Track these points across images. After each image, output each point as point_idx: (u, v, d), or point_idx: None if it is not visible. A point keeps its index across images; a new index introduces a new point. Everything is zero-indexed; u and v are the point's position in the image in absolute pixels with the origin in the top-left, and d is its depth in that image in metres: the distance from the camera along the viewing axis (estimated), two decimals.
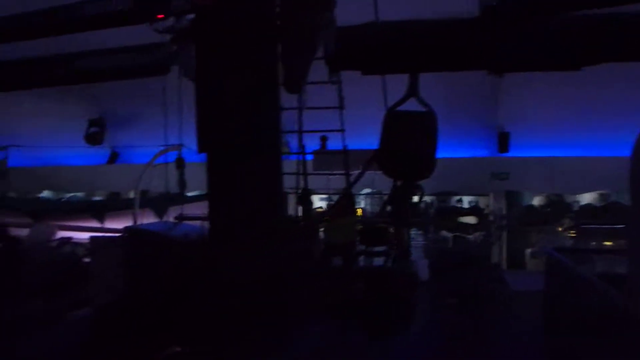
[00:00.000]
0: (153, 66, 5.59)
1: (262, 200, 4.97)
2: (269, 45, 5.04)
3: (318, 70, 5.61)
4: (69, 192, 18.03)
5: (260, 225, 4.87)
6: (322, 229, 8.22)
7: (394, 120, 5.47)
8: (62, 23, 6.17)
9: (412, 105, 5.62)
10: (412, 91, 5.48)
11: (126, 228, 8.96)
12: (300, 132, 6.97)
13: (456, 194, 14.85)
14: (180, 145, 10.11)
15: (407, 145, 5.27)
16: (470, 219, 14.10)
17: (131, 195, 14.81)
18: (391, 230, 7.25)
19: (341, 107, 6.84)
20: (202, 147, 5.20)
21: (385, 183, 7.33)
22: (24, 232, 12.06)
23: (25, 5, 6.19)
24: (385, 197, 6.99)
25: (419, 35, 5.15)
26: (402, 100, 5.58)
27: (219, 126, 5.03)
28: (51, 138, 15.47)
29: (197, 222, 9.63)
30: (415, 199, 6.05)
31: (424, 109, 5.56)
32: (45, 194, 18.03)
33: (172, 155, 10.48)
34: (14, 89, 7.76)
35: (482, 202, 14.88)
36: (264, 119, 4.99)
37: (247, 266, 5.01)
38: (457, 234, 13.74)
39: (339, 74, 5.14)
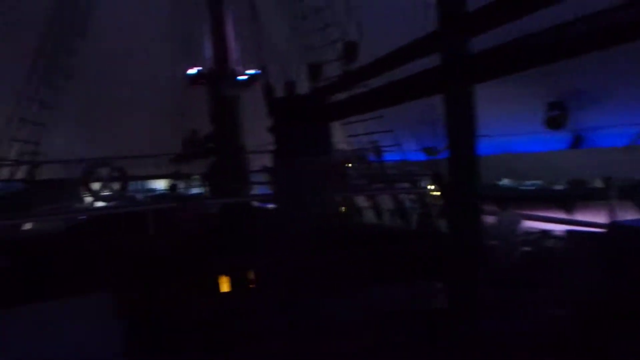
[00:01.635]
0: None
1: None
2: None
3: None
4: (528, 179, 17.99)
5: None
6: None
7: None
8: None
9: None
10: None
11: (611, 223, 7.94)
12: None
13: None
14: None
15: None
16: None
17: (597, 183, 13.62)
18: None
19: None
20: None
21: None
22: (489, 219, 12.60)
23: None
24: None
25: None
26: None
27: None
28: (510, 125, 15.79)
29: None
30: None
31: None
32: (505, 181, 18.54)
33: None
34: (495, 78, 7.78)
35: None
36: None
37: None
38: None
39: None
